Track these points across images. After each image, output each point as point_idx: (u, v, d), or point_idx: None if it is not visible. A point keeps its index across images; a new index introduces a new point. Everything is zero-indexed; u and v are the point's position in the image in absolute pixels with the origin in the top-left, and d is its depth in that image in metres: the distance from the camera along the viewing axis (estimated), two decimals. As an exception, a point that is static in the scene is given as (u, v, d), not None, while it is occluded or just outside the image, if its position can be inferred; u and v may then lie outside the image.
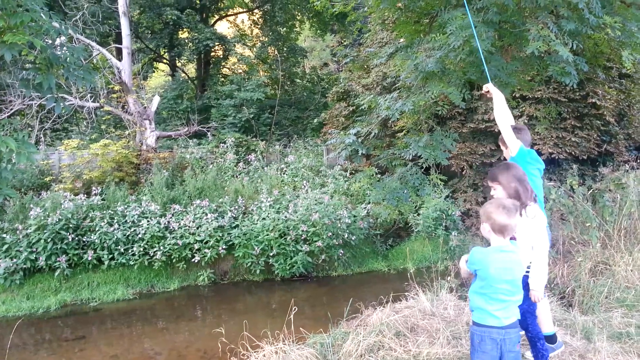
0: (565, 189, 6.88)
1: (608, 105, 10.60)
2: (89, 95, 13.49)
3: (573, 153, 10.60)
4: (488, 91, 4.06)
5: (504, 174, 3.43)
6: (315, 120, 16.84)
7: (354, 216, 10.63)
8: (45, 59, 3.42)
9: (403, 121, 8.56)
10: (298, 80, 22.41)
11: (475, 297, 2.89)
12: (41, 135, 13.75)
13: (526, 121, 10.53)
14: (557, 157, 10.52)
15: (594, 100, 10.41)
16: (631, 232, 5.94)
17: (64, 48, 3.67)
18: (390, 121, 6.62)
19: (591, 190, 6.50)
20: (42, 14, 3.46)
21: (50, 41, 3.88)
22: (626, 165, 7.97)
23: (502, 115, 3.93)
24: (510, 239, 2.96)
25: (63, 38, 3.87)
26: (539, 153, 10.61)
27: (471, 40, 4.22)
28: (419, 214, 10.71)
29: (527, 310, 3.44)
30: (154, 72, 23.83)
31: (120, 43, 14.03)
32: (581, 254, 5.82)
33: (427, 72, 4.87)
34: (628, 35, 4.55)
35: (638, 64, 10.14)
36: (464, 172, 11.06)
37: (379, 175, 11.65)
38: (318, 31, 22.95)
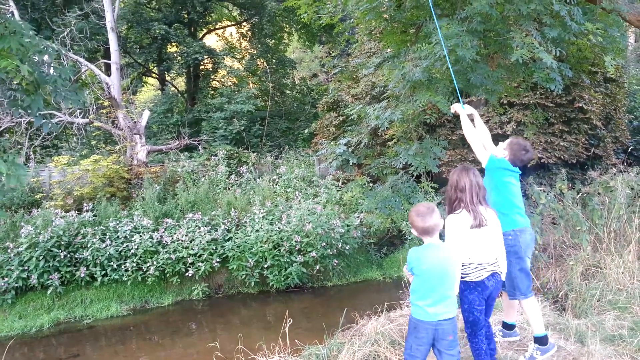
0: (555, 194, 6.95)
1: (595, 110, 10.73)
2: (78, 111, 13.45)
3: (562, 157, 10.70)
4: (455, 111, 4.20)
5: (451, 175, 3.60)
6: (306, 131, 16.88)
7: (347, 225, 10.64)
8: (32, 82, 3.43)
9: (393, 130, 8.63)
10: (288, 92, 22.49)
11: (413, 294, 3.21)
12: (31, 153, 13.67)
13: (514, 127, 10.64)
14: (546, 162, 10.62)
15: (580, 105, 10.54)
16: (621, 235, 6.01)
17: (52, 69, 3.68)
18: (380, 130, 6.67)
19: (580, 194, 6.57)
20: (29, 37, 3.47)
21: (36, 59, 3.89)
22: (614, 168, 8.07)
23: (469, 133, 4.11)
24: None
25: (47, 58, 3.87)
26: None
27: (456, 50, 4.28)
28: (410, 222, 10.72)
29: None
30: (143, 86, 23.79)
31: (109, 58, 14.04)
32: (572, 258, 5.86)
33: (415, 82, 4.92)
34: (610, 41, 4.64)
35: (622, 68, 10.32)
36: (455, 179, 11.11)
37: (371, 184, 11.69)
38: (306, 42, 23.07)
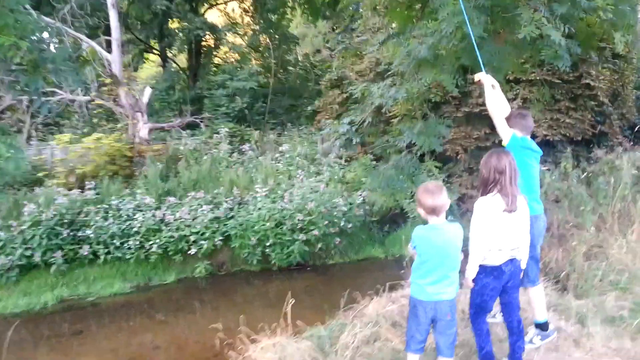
0: (560, 172, 6.87)
1: (602, 86, 10.55)
2: (79, 88, 13.33)
3: (568, 134, 10.57)
4: (479, 80, 4.04)
5: (484, 158, 3.48)
6: (309, 108, 16.71)
7: (350, 204, 10.59)
8: (31, 60, 3.38)
9: (397, 108, 8.52)
10: (291, 68, 22.22)
11: (414, 272, 3.24)
12: (33, 131, 13.62)
13: (520, 103, 10.48)
14: (551, 139, 10.49)
15: (587, 82, 10.36)
16: (625, 215, 5.95)
17: (51, 46, 3.62)
18: (384, 109, 6.56)
19: (585, 174, 6.50)
20: (28, 15, 3.40)
21: (35, 37, 3.81)
22: (620, 147, 7.96)
23: (493, 104, 3.94)
24: None
25: (47, 36, 3.81)
26: (534, 136, 10.66)
27: (463, 27, 4.16)
28: (414, 200, 10.61)
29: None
30: (144, 62, 23.56)
31: (110, 35, 13.86)
32: (575, 238, 5.81)
33: (420, 59, 4.81)
34: (620, 17, 4.50)
35: (631, 43, 10.08)
36: (459, 157, 11.01)
37: (374, 162, 11.59)
38: (310, 18, 22.67)
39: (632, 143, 8.96)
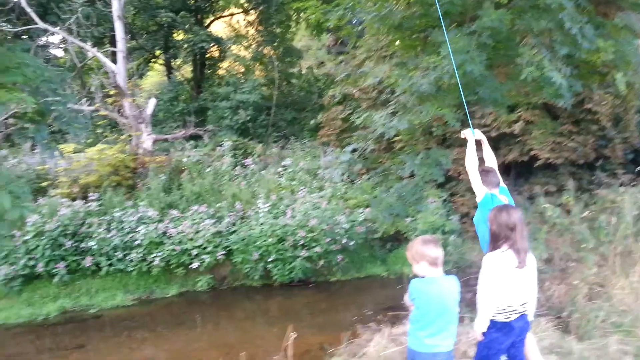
0: (561, 203, 6.91)
1: (604, 111, 10.63)
2: (84, 99, 13.43)
3: (570, 158, 10.63)
4: (465, 136, 4.21)
5: (492, 213, 3.49)
6: (312, 122, 16.73)
7: (352, 221, 10.63)
8: (37, 112, 3.48)
9: (400, 136, 8.57)
10: (294, 81, 22.25)
11: (411, 324, 3.21)
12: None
13: (523, 125, 10.53)
14: (554, 162, 10.55)
15: (589, 106, 10.44)
16: (627, 254, 5.90)
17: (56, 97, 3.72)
18: (385, 137, 6.65)
19: (588, 212, 6.51)
20: (35, 68, 3.47)
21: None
22: (621, 177, 7.97)
23: (470, 162, 4.14)
24: None
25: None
26: (536, 158, 10.73)
27: (465, 65, 4.26)
28: (416, 219, 10.60)
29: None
30: (149, 70, 23.61)
31: (115, 46, 13.96)
32: (577, 275, 5.79)
33: (422, 92, 4.90)
34: (621, 58, 4.59)
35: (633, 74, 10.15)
36: (460, 177, 11.08)
37: (377, 184, 11.56)
38: (314, 31, 22.70)
39: (635, 172, 8.87)
